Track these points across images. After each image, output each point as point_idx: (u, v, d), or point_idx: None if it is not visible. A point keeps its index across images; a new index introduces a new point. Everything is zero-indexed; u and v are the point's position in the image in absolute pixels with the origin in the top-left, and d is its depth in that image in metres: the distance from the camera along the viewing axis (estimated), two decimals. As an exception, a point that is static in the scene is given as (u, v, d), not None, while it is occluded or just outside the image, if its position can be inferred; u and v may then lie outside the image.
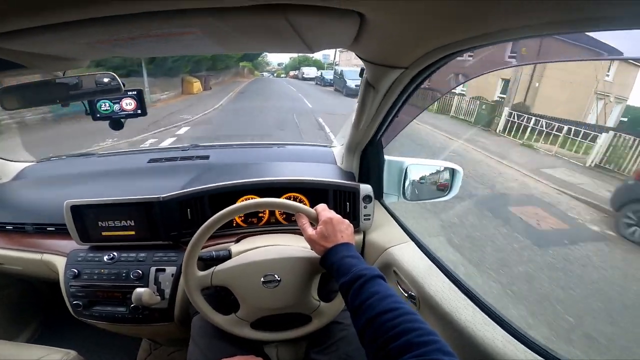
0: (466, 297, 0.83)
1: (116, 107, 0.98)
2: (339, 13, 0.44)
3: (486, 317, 0.76)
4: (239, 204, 0.80)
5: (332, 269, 0.69)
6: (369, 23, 0.47)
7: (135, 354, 1.53)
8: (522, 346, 0.67)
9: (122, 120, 1.00)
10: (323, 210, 0.77)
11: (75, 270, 1.04)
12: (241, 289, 0.80)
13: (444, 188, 1.20)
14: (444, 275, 0.92)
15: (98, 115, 0.97)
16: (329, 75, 23.17)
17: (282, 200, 0.80)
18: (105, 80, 0.81)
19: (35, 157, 1.58)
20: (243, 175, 1.17)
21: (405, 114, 0.97)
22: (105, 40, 0.53)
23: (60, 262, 1.09)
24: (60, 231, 1.16)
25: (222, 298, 0.92)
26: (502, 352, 0.66)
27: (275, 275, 0.79)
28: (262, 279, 0.79)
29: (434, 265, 0.97)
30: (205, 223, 0.78)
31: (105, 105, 0.96)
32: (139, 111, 0.99)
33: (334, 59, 38.63)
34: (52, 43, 0.53)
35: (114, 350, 1.55)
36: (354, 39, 0.55)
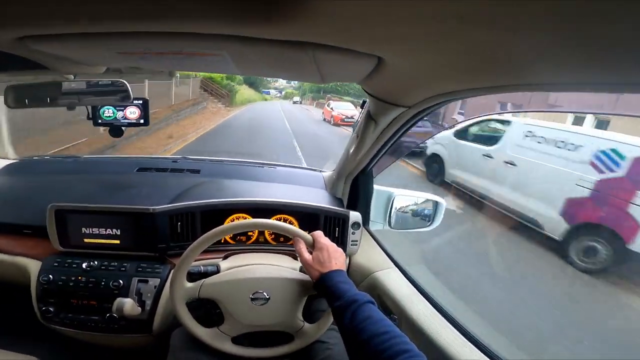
0: (446, 321, 0.89)
1: (119, 114, 0.99)
2: (360, 55, 0.50)
3: (465, 340, 0.82)
4: (238, 222, 0.83)
5: (326, 292, 0.73)
6: (385, 65, 0.53)
7: None
8: None
9: (123, 128, 1.01)
10: (320, 237, 0.82)
11: (50, 277, 0.98)
12: (228, 303, 0.81)
13: (427, 219, 1.26)
14: (426, 301, 0.97)
15: (100, 121, 0.98)
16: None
17: (281, 223, 0.82)
18: (117, 86, 0.83)
19: (18, 154, 1.52)
20: (234, 193, 1.18)
21: (397, 149, 1.04)
22: (136, 52, 0.56)
23: (33, 267, 1.03)
24: (38, 234, 1.10)
25: (206, 312, 0.91)
26: None
27: (265, 293, 0.81)
28: (251, 295, 0.80)
29: (417, 291, 1.02)
30: (201, 237, 0.78)
31: (108, 111, 0.98)
32: (142, 121, 1.01)
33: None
34: (84, 49, 0.56)
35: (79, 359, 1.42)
36: (366, 76, 0.61)
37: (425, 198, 1.26)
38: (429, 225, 1.26)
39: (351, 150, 0.95)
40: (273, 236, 1.16)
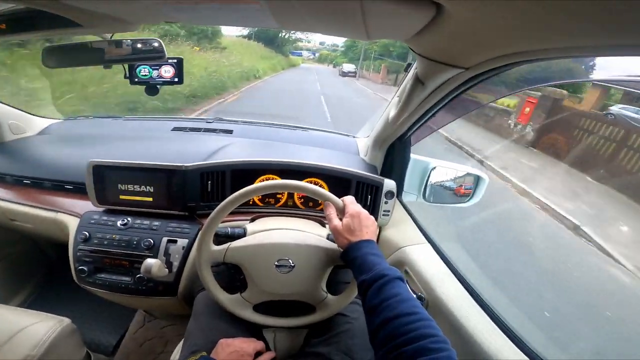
0: (478, 306, 0.84)
1: (155, 73, 0.97)
2: (416, 2, 0.42)
3: (495, 327, 0.77)
4: (268, 182, 0.78)
5: (353, 263, 0.68)
6: (443, 17, 0.45)
7: (127, 325, 1.53)
8: (524, 355, 0.68)
9: (158, 86, 1.00)
10: (351, 203, 0.76)
11: (87, 233, 1.03)
12: (253, 269, 0.78)
13: (466, 194, 1.19)
14: (458, 282, 0.92)
15: (136, 80, 0.97)
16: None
17: (312, 185, 0.76)
18: (152, 45, 0.81)
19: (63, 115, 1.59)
20: (265, 154, 1.15)
21: (441, 116, 0.96)
22: (172, 1, 0.52)
23: (72, 223, 1.08)
24: (78, 190, 1.16)
25: (230, 277, 0.91)
26: None
27: (290, 260, 0.78)
28: (275, 262, 0.77)
29: (449, 271, 0.97)
30: (230, 197, 0.75)
31: (144, 70, 0.96)
32: (177, 79, 0.99)
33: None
34: (117, 2, 0.53)
35: (107, 321, 1.55)
36: (417, 32, 0.54)
37: (467, 172, 1.18)
38: (468, 201, 1.18)
39: (391, 115, 0.88)
40: (302, 200, 1.15)
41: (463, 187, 1.19)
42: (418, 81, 0.71)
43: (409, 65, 0.86)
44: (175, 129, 1.46)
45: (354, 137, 1.53)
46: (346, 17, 0.51)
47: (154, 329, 1.51)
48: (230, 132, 1.46)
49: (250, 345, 0.76)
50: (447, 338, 0.51)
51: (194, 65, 9.31)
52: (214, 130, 1.47)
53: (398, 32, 0.57)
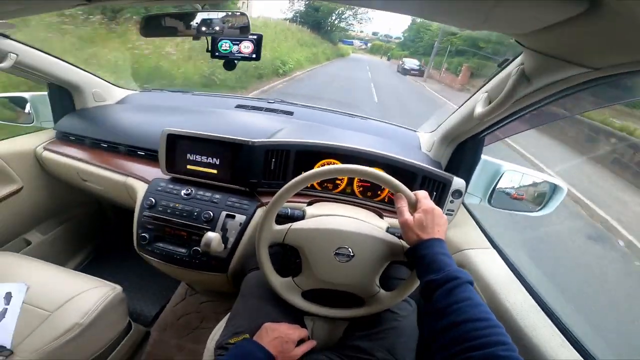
0: (546, 317, 0.80)
1: (234, 48, 0.98)
2: None
3: (565, 340, 0.73)
4: (342, 165, 0.75)
5: (421, 261, 0.65)
6: (596, 12, 0.40)
7: (169, 297, 1.59)
8: None
9: (236, 62, 1.01)
10: (425, 198, 0.72)
11: (153, 200, 1.07)
12: (311, 253, 0.77)
13: (539, 203, 1.11)
14: (524, 290, 0.88)
15: (217, 53, 0.98)
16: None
17: (387, 175, 0.72)
18: (240, 19, 0.80)
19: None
20: (325, 137, 1.13)
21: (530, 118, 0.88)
22: None
23: (141, 188, 1.13)
24: (149, 157, 1.22)
25: (283, 260, 0.91)
26: None
27: (350, 250, 0.75)
28: (335, 250, 0.76)
29: (516, 278, 0.92)
30: (301, 176, 0.73)
31: (225, 45, 0.97)
32: (254, 55, 0.99)
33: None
34: None
35: (151, 291, 1.62)
36: (547, 25, 0.48)
37: (543, 179, 1.09)
38: (540, 210, 1.10)
39: (477, 111, 0.82)
40: (361, 189, 1.13)
41: (537, 195, 1.11)
42: (524, 77, 0.64)
43: (506, 60, 0.80)
44: (239, 106, 1.49)
45: (415, 130, 1.48)
46: (474, 2, 0.46)
47: (194, 304, 1.56)
48: (290, 113, 1.46)
49: (295, 332, 0.75)
50: (515, 347, 0.49)
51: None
52: (274, 111, 1.48)
53: (522, 24, 0.51)
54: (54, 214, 1.58)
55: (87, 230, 1.75)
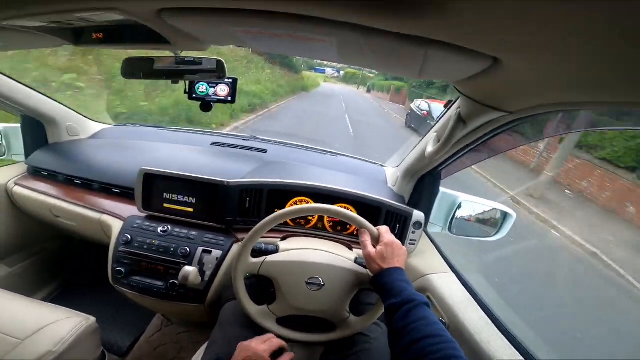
0: (498, 331, 0.87)
1: (211, 90, 1.06)
2: (475, 54, 0.47)
3: (516, 351, 0.80)
4: (313, 205, 0.84)
5: (383, 288, 0.73)
6: (497, 67, 0.50)
7: (144, 328, 1.55)
8: None
9: (212, 103, 1.08)
10: (386, 232, 0.82)
11: (129, 236, 1.08)
12: (285, 283, 0.83)
13: (492, 229, 1.21)
14: (479, 308, 0.96)
15: (194, 95, 1.05)
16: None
17: (352, 213, 0.82)
18: (216, 64, 0.88)
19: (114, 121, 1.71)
20: (297, 176, 1.21)
21: (474, 155, 1.00)
22: (252, 31, 0.58)
23: (116, 226, 1.13)
24: (123, 195, 1.22)
25: (258, 290, 0.94)
26: None
27: (320, 279, 0.82)
28: (307, 279, 0.82)
29: (471, 297, 1.00)
30: (277, 213, 0.81)
31: (202, 87, 1.05)
32: (230, 98, 1.07)
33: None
34: (207, 25, 0.56)
35: (125, 322, 1.57)
36: (470, 76, 0.59)
37: (493, 207, 1.21)
38: (494, 235, 1.21)
39: (428, 150, 0.93)
40: (331, 224, 1.19)
41: (490, 222, 1.21)
42: (460, 120, 0.76)
43: (450, 102, 0.92)
44: (214, 143, 1.55)
45: (382, 165, 1.58)
46: (407, 59, 0.57)
47: (170, 335, 1.53)
48: (264, 151, 1.54)
49: (262, 346, 0.76)
50: None
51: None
52: (249, 148, 1.55)
53: (450, 75, 0.63)
54: (22, 247, 1.53)
55: (56, 263, 1.69)
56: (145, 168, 1.09)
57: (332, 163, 1.57)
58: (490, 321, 0.90)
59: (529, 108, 0.60)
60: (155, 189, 1.11)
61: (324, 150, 1.69)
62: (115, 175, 1.26)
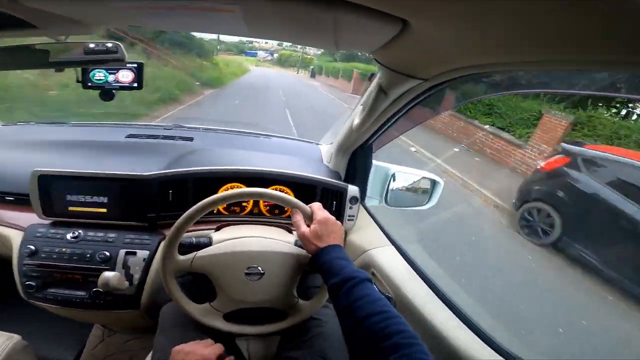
0: (441, 302, 0.90)
1: (111, 77, 0.92)
2: (385, 17, 0.45)
3: (460, 322, 0.84)
4: (234, 190, 0.78)
5: (322, 268, 0.70)
6: (408, 32, 0.49)
7: (85, 340, 1.42)
8: (489, 349, 0.75)
9: (114, 91, 0.95)
10: (319, 209, 0.78)
11: (32, 247, 0.95)
12: (222, 277, 0.77)
13: (424, 198, 1.27)
14: (421, 280, 0.98)
15: (89, 84, 0.91)
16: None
17: (280, 193, 0.78)
18: (109, 49, 0.77)
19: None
20: (228, 161, 1.14)
21: (400, 125, 1.02)
22: (142, 6, 0.51)
23: (15, 237, 1.00)
24: (20, 202, 1.06)
25: (197, 287, 0.89)
26: (471, 354, 0.73)
27: (259, 268, 0.78)
28: (245, 270, 0.77)
29: (413, 270, 1.03)
30: (195, 206, 0.74)
31: (99, 74, 0.91)
32: (135, 84, 0.95)
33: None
34: (78, 4, 0.50)
35: (62, 336, 1.42)
36: (382, 44, 0.58)
37: (423, 176, 1.26)
38: (426, 204, 1.27)
39: (355, 123, 0.92)
40: (268, 208, 1.15)
41: (421, 191, 1.27)
42: (381, 91, 0.75)
43: (373, 74, 0.92)
44: (130, 135, 1.39)
45: (317, 143, 1.57)
46: (318, 28, 0.53)
47: (116, 344, 1.41)
48: (190, 139, 1.42)
49: (208, 350, 0.70)
50: (416, 333, 0.54)
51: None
52: (172, 138, 1.42)
53: (365, 44, 0.61)
54: None
55: None
56: (39, 169, 0.95)
57: (266, 145, 1.51)
58: (433, 293, 0.93)
59: (444, 73, 0.60)
60: (55, 192, 0.97)
61: (257, 133, 1.61)
62: (7, 180, 1.09)
